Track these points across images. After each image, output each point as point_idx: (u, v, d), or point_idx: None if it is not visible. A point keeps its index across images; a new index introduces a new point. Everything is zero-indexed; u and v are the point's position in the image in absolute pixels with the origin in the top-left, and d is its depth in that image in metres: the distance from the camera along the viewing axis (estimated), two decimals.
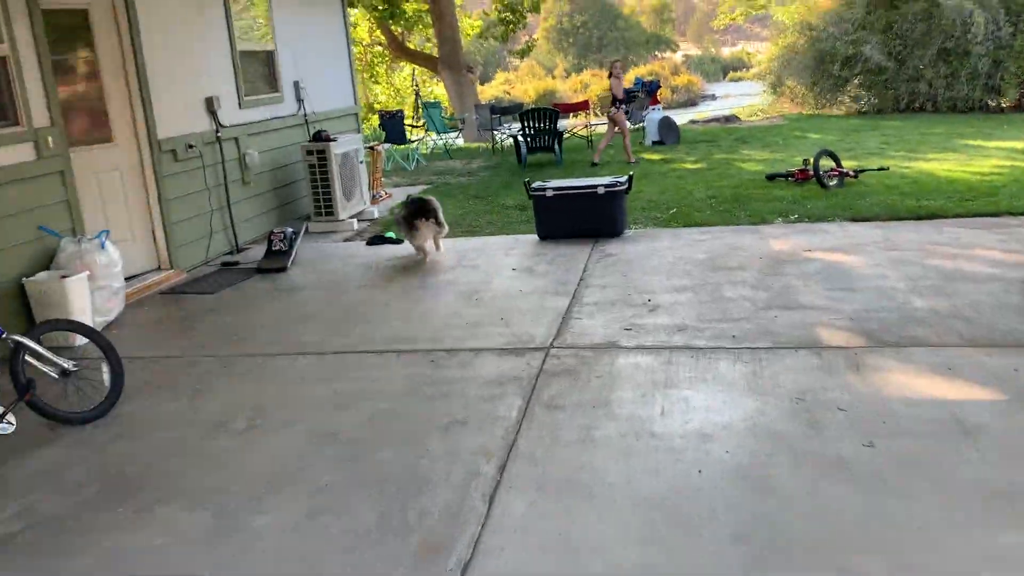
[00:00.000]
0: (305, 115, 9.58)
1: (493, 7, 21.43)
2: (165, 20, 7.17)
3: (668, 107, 17.99)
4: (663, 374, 4.23)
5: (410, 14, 24.01)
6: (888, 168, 9.03)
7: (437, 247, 7.63)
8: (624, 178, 7.53)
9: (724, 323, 4.92)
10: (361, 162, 9.39)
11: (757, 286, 5.61)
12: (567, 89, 69.22)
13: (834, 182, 8.85)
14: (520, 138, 12.78)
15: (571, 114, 15.77)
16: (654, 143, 14.17)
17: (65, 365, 4.28)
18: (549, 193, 7.46)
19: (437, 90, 29.38)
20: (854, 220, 7.38)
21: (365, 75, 29.76)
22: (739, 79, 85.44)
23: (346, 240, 8.29)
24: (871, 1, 16.34)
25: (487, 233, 8.22)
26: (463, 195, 10.66)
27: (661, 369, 4.29)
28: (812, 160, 8.87)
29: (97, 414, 4.26)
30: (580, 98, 59.75)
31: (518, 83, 74.43)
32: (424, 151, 15.79)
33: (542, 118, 12.59)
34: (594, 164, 12.26)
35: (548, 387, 4.18)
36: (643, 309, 5.31)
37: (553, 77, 78.34)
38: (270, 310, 6.02)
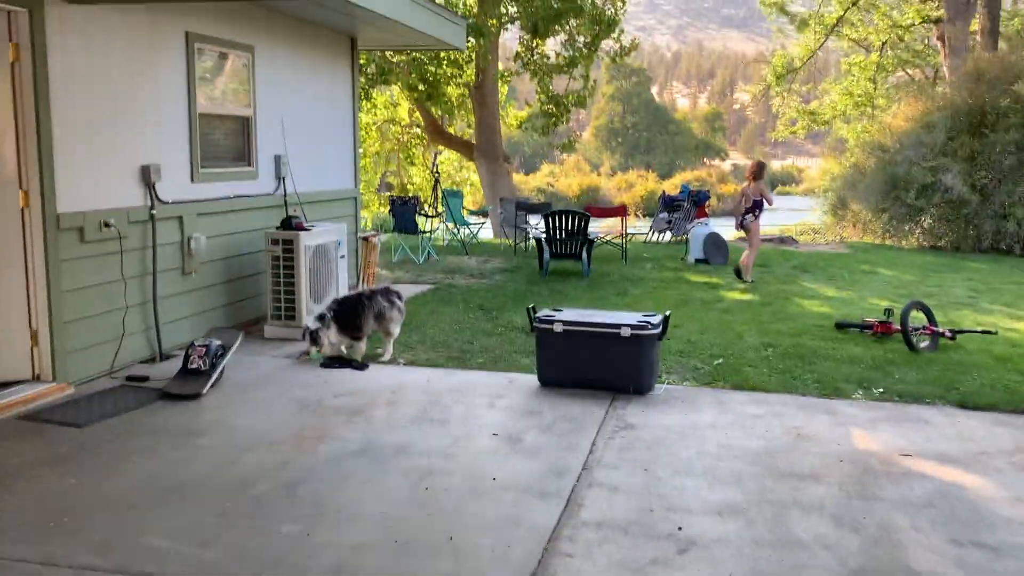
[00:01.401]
0: (285, 195, 8.02)
1: (537, 98, 20.22)
2: (95, 63, 5.67)
3: (712, 215, 16.33)
4: None
5: (451, 98, 23.00)
6: (996, 332, 7.14)
7: (385, 351, 6.56)
8: (658, 318, 5.76)
9: None
10: (342, 257, 7.76)
11: (841, 520, 3.72)
12: (611, 187, 68.84)
13: (925, 343, 6.98)
14: (544, 242, 11.12)
15: (606, 219, 14.17)
16: (697, 261, 12.44)
17: None
18: (558, 328, 5.69)
19: (473, 177, 28.28)
20: (963, 407, 5.47)
21: (401, 155, 28.84)
22: (787, 193, 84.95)
23: (301, 355, 6.55)
24: (954, 126, 14.67)
25: (478, 364, 6.45)
26: (465, 304, 8.95)
27: None
28: (900, 313, 7.03)
29: None
30: (623, 197, 59.07)
31: (563, 176, 74.42)
32: (440, 243, 14.23)
33: (570, 221, 10.95)
34: (745, 280, 10.39)
35: None
36: (669, 546, 3.45)
37: (599, 174, 78.43)
38: (137, 469, 4.24)
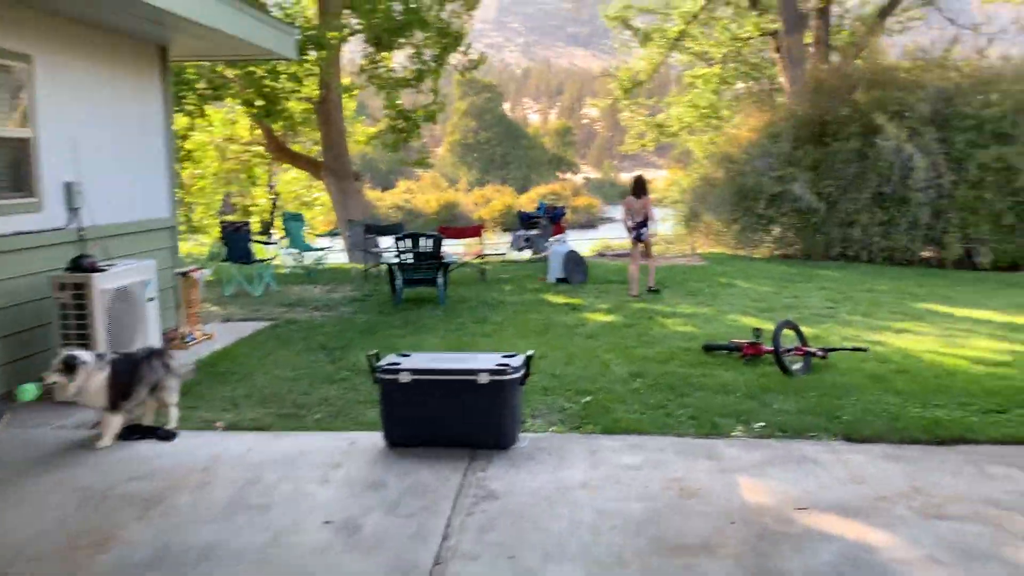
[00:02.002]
0: (80, 229, 6.82)
1: (384, 114, 19.34)
2: None
3: (568, 227, 15.99)
4: None
5: (293, 113, 21.77)
6: (867, 349, 6.88)
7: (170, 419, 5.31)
8: (519, 359, 5.04)
9: None
10: (151, 299, 6.64)
11: None
12: (469, 202, 68.71)
13: (798, 365, 6.62)
14: (395, 268, 10.25)
15: (463, 239, 13.42)
16: (558, 280, 11.91)
17: None
18: (404, 378, 4.88)
19: (325, 197, 27.00)
20: (849, 439, 5.06)
21: (243, 175, 27.15)
22: None
23: (97, 424, 5.41)
24: (798, 136, 14.88)
25: (314, 421, 5.56)
26: (306, 344, 8.00)
27: None
28: (771, 334, 6.64)
29: None
30: (482, 212, 58.69)
31: (420, 193, 73.66)
32: (282, 272, 13.10)
33: (423, 244, 10.14)
34: (653, 290, 10.93)
35: None
36: None
37: (456, 189, 78.26)
38: None
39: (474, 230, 12.25)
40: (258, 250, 11.83)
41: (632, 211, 10.83)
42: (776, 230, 14.80)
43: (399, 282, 10.21)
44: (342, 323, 9.11)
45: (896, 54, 16.48)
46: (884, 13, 20.47)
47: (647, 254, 11.06)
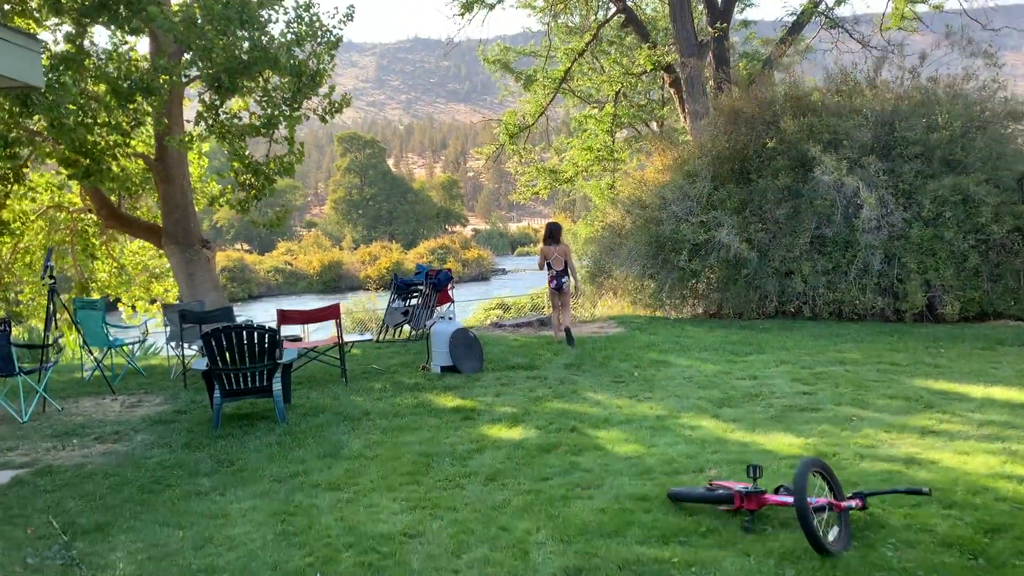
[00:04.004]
0: None
1: (230, 168, 16.28)
2: None
3: (458, 281, 13.34)
4: None
5: (130, 173, 18.43)
6: (928, 492, 4.36)
7: None
8: None
9: None
10: None
11: None
12: (355, 261, 65.46)
13: (833, 533, 4.05)
14: (213, 375, 7.24)
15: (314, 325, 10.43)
16: (443, 370, 9.15)
17: None
18: None
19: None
20: None
21: (78, 247, 23.40)
22: (527, 253, 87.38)
23: None
24: (716, 174, 12.72)
25: None
26: (42, 523, 4.97)
27: None
28: (793, 481, 4.06)
29: None
30: (368, 271, 55.16)
31: (301, 253, 69.85)
32: (79, 376, 9.85)
33: (248, 342, 7.20)
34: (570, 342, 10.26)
35: None
36: None
37: (340, 248, 74.84)
38: None
39: (330, 311, 9.36)
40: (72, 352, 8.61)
41: (550, 260, 10.54)
42: (700, 285, 12.52)
43: (217, 397, 7.21)
44: (122, 470, 6.08)
45: (808, 80, 14.69)
46: (792, 32, 18.92)
47: (565, 306, 10.69)
